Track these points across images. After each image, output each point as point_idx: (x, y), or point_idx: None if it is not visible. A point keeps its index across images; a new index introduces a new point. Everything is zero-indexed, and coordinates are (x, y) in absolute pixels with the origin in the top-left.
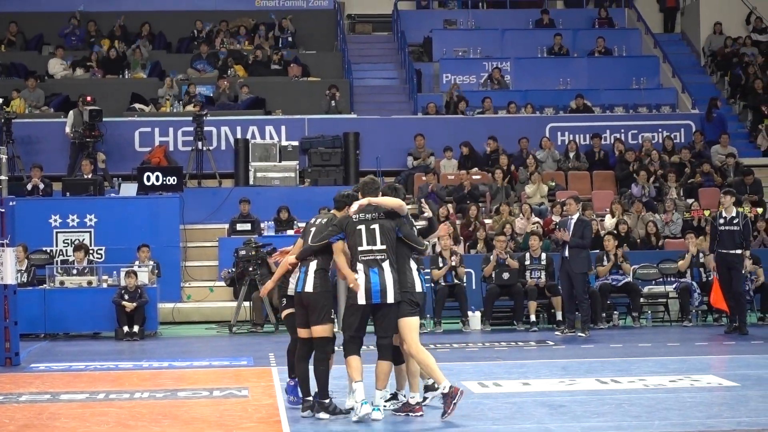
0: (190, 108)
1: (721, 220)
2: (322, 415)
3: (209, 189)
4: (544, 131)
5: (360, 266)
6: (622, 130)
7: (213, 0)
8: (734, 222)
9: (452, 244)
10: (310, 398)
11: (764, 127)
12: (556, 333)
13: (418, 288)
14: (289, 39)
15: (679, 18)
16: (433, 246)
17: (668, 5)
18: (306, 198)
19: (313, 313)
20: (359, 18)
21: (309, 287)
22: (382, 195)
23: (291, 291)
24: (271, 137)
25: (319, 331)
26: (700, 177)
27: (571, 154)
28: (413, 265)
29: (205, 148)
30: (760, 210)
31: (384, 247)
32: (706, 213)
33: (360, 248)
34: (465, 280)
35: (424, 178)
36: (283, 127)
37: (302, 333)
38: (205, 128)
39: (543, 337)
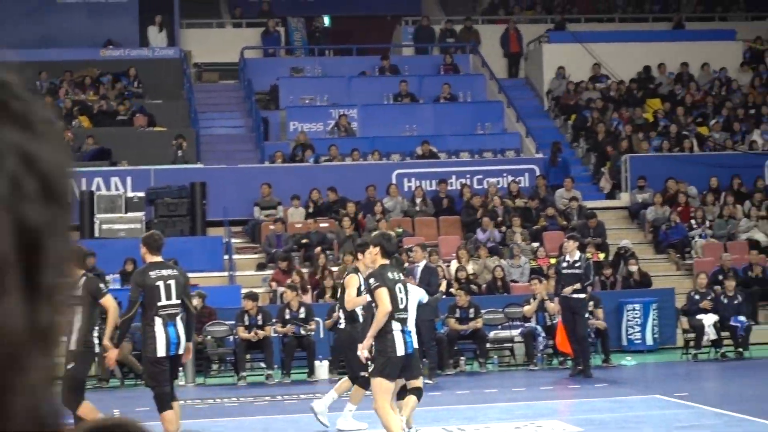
0: None
1: (564, 264)
2: None
3: None
4: (391, 178)
5: None
6: (468, 176)
7: (57, 50)
8: (576, 265)
9: (299, 295)
10: None
11: (607, 169)
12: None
13: (399, 351)
14: (133, 90)
15: (522, 63)
16: (281, 295)
17: (512, 51)
18: None
19: None
20: (205, 66)
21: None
22: (374, 244)
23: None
24: (117, 188)
25: None
26: (545, 221)
27: (418, 200)
28: (396, 325)
29: None
30: (602, 255)
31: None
32: (552, 261)
33: None
34: (314, 331)
35: (272, 227)
36: (128, 178)
37: None
38: None
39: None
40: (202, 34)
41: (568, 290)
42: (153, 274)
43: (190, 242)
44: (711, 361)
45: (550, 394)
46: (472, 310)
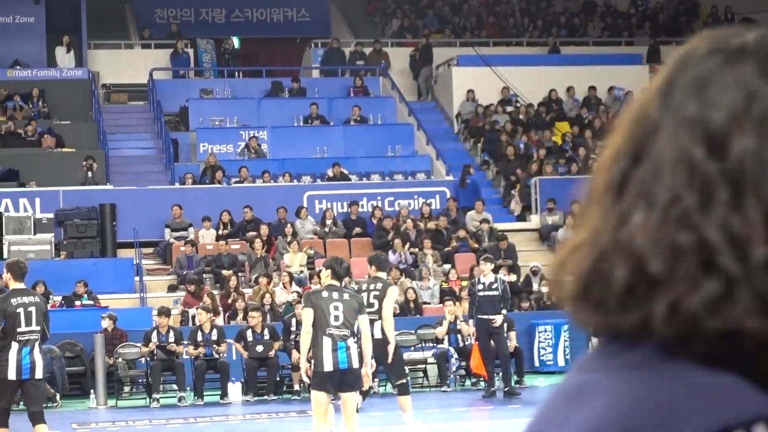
0: None
1: (480, 286)
2: None
3: None
4: (302, 200)
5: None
6: (379, 198)
7: None
8: (493, 287)
9: (211, 317)
10: None
11: (517, 192)
12: None
13: (326, 367)
14: (40, 110)
15: (432, 86)
16: (193, 318)
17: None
18: (62, 271)
19: None
20: (114, 88)
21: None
22: (326, 267)
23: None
24: (25, 210)
25: None
26: (456, 243)
27: (329, 222)
28: (326, 340)
29: None
30: (513, 277)
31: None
32: (463, 284)
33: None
34: (225, 353)
35: (182, 248)
36: (37, 200)
37: None
38: None
39: (304, 407)
40: (111, 54)
41: (498, 320)
42: (14, 301)
43: (101, 264)
44: None
45: (464, 415)
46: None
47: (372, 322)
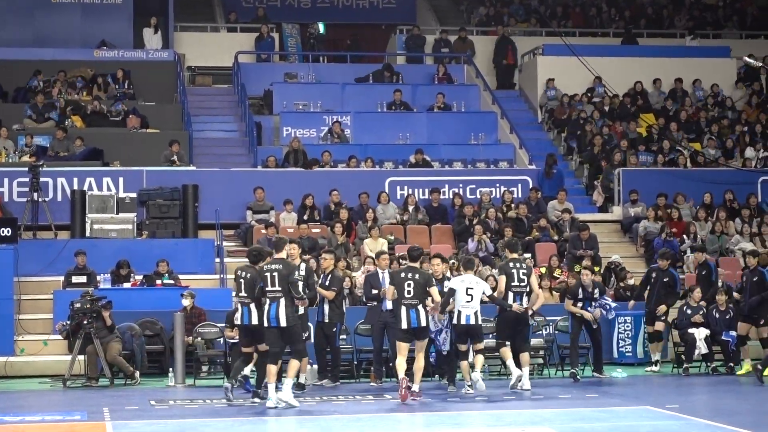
0: (26, 158)
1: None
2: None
3: (45, 241)
4: (384, 185)
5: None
6: (461, 185)
7: (51, 50)
8: None
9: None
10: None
11: (599, 183)
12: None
13: (403, 325)
14: (125, 91)
15: (517, 75)
16: None
17: (507, 62)
18: (143, 250)
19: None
20: (199, 70)
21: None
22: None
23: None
24: (109, 189)
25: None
26: (537, 232)
27: (410, 208)
28: (403, 308)
29: (40, 200)
30: (596, 268)
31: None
32: (542, 270)
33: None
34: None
35: (263, 231)
36: (120, 179)
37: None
38: (41, 179)
39: (381, 391)
40: (197, 37)
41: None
42: (266, 267)
43: (182, 244)
44: (702, 375)
45: (540, 402)
46: None
47: (520, 294)
